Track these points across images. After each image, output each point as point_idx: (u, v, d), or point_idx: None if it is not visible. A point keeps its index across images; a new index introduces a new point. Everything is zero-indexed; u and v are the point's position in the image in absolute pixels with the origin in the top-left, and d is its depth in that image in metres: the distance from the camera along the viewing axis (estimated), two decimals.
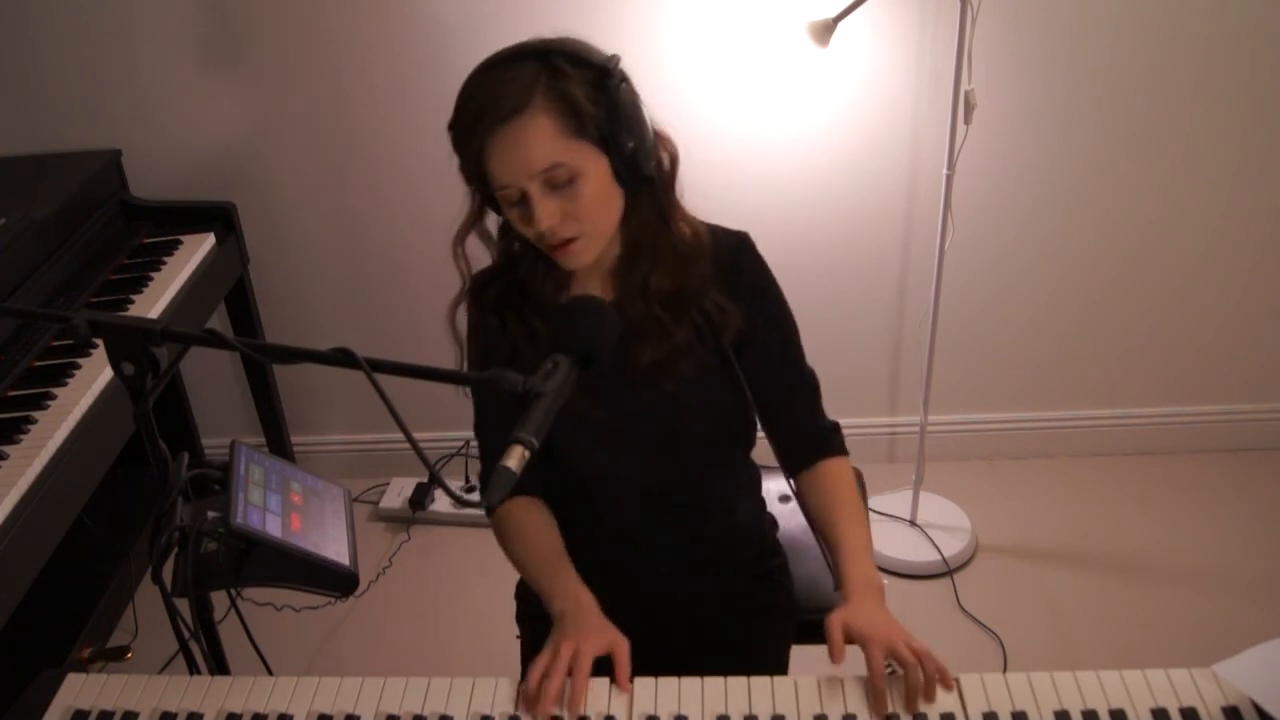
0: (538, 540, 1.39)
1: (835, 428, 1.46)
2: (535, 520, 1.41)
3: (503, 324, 1.37)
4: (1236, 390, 2.79)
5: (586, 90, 1.20)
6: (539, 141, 1.19)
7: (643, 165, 1.24)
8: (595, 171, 1.22)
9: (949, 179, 2.25)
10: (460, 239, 1.33)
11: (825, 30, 2.17)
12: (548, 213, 1.21)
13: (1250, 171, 2.50)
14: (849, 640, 1.20)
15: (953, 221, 2.30)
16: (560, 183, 1.20)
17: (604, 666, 1.21)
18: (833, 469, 1.42)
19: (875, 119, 2.44)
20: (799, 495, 1.44)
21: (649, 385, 1.33)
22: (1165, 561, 2.50)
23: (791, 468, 1.45)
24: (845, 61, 2.36)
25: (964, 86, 2.16)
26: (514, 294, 1.36)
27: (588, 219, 1.24)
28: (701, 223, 1.36)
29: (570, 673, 1.18)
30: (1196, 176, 2.51)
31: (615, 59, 1.23)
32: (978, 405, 2.83)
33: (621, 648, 1.21)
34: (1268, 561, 2.46)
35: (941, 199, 2.28)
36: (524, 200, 1.22)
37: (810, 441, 1.44)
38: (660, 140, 1.28)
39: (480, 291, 1.38)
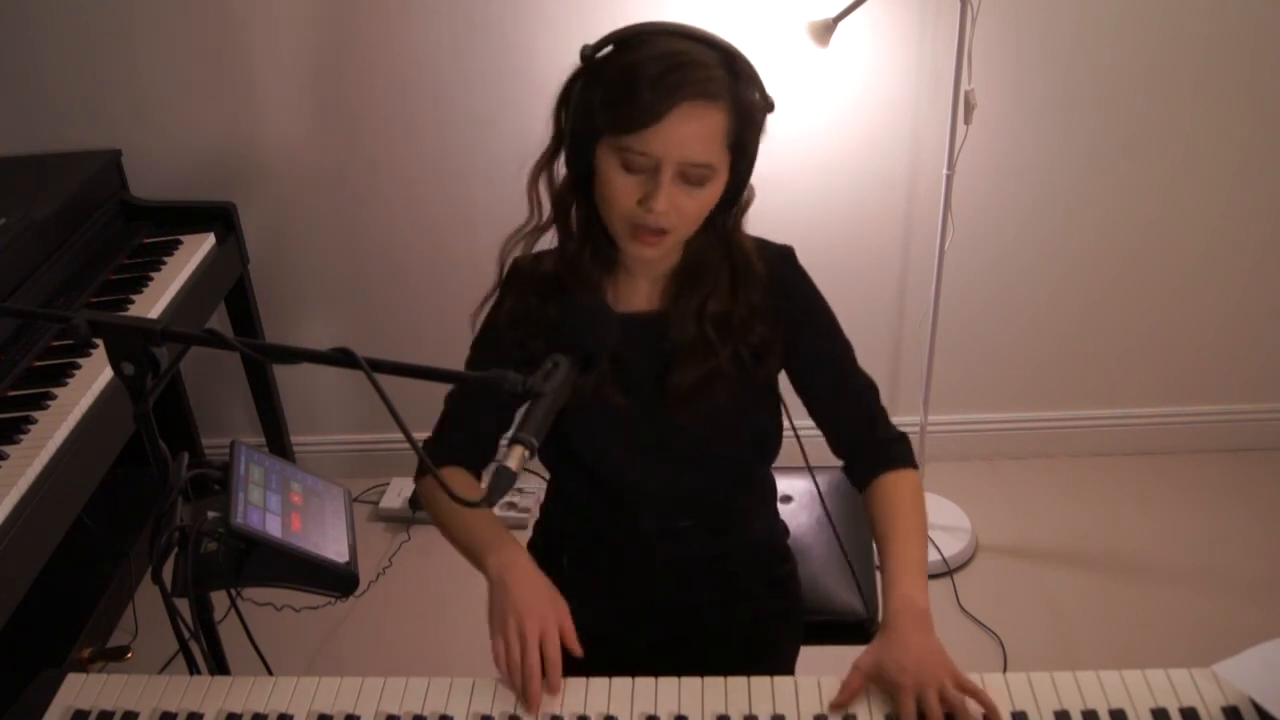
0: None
1: (899, 438, 1.42)
2: (468, 483, 1.41)
3: (538, 306, 1.34)
4: (1236, 390, 2.79)
5: (759, 110, 1.22)
6: (711, 135, 1.18)
7: (743, 193, 1.27)
8: (721, 181, 1.22)
9: (949, 179, 2.25)
10: (538, 173, 1.29)
11: (825, 30, 2.17)
12: (668, 198, 1.18)
13: (1250, 171, 2.50)
14: (877, 680, 1.16)
15: (953, 221, 2.30)
16: (693, 180, 1.19)
17: (598, 668, 1.21)
18: (889, 484, 1.38)
19: (875, 119, 2.44)
20: (866, 508, 1.41)
21: (685, 408, 1.32)
22: (1165, 561, 2.50)
23: (857, 484, 1.43)
24: (845, 61, 2.36)
25: (964, 86, 2.16)
26: (565, 271, 1.32)
27: (688, 219, 1.23)
28: (751, 240, 1.34)
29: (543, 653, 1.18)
30: (1196, 176, 2.51)
31: (771, 96, 1.24)
32: (978, 405, 2.83)
33: (565, 622, 1.22)
34: (1268, 561, 2.46)
35: (941, 199, 2.28)
36: (651, 174, 1.18)
37: (871, 456, 1.41)
38: None
39: (534, 265, 1.35)
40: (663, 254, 1.27)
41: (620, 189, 1.20)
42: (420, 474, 1.46)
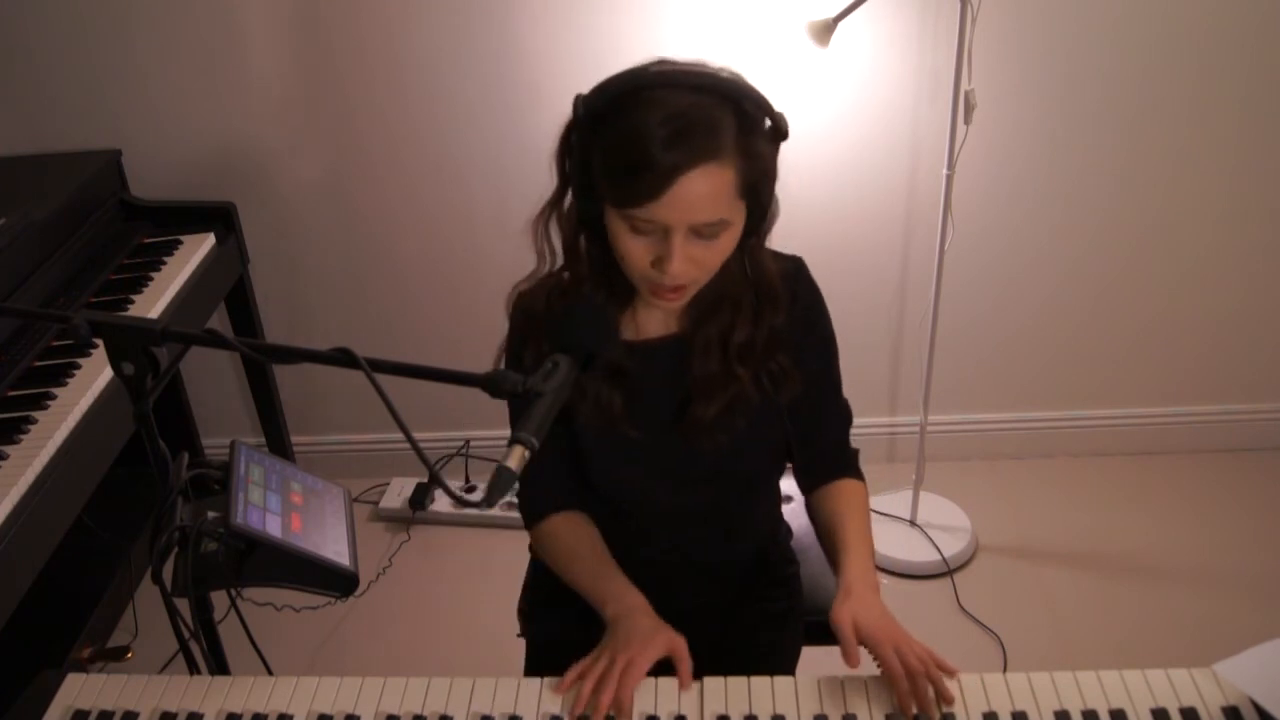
0: (583, 550, 1.38)
1: (855, 454, 1.47)
2: (578, 531, 1.40)
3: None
4: (1236, 390, 2.79)
5: (768, 150, 1.16)
6: (719, 193, 1.12)
7: (763, 225, 1.21)
8: (738, 228, 1.18)
9: (949, 179, 2.25)
10: (544, 218, 1.25)
11: (825, 30, 2.17)
12: (683, 259, 1.14)
13: (1250, 171, 2.50)
14: (858, 639, 1.19)
15: (953, 221, 2.30)
16: (707, 235, 1.15)
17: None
18: (847, 486, 1.44)
19: (875, 119, 2.44)
20: (810, 509, 1.46)
21: (705, 439, 1.31)
22: (1165, 561, 2.50)
23: (808, 484, 1.46)
24: (845, 61, 2.36)
25: (964, 86, 2.16)
26: None
27: (707, 269, 1.19)
28: (770, 258, 1.30)
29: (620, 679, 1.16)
30: (1196, 176, 2.51)
31: (783, 117, 1.18)
32: (978, 405, 2.83)
33: (679, 647, 1.20)
34: (1267, 561, 2.46)
35: (941, 199, 2.28)
36: (661, 236, 1.14)
37: (832, 463, 1.45)
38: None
39: (545, 306, 1.31)
40: (684, 302, 1.25)
41: (632, 252, 1.17)
42: (531, 524, 1.44)
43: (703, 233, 1.15)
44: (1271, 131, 2.45)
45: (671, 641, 1.21)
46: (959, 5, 2.07)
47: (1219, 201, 2.54)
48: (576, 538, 1.40)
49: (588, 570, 1.36)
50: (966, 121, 2.19)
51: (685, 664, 1.20)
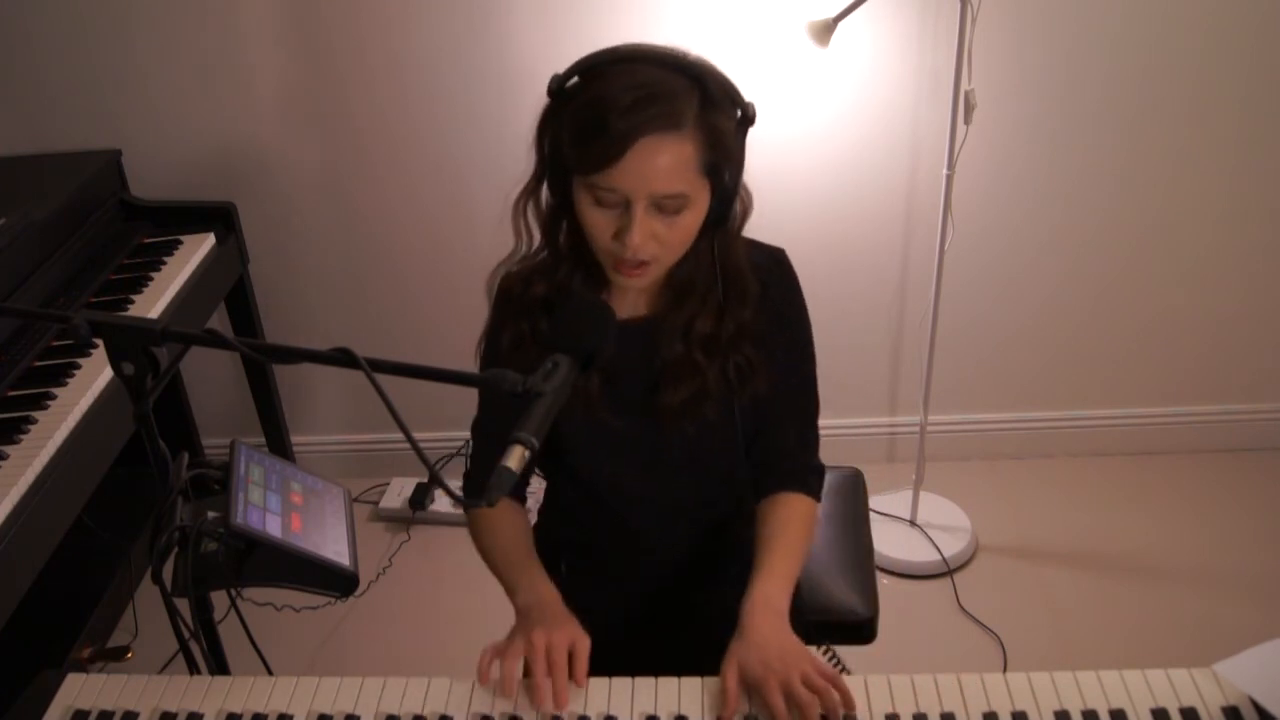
0: (508, 535, 1.39)
1: (819, 471, 1.42)
2: (508, 517, 1.41)
3: (533, 330, 1.32)
4: (1236, 390, 2.79)
5: (733, 133, 1.18)
6: (678, 165, 1.14)
7: (729, 213, 1.23)
8: (700, 207, 1.20)
9: (949, 179, 2.25)
10: (524, 200, 1.27)
11: (825, 30, 2.17)
12: (643, 232, 1.16)
13: (1250, 171, 2.50)
14: (744, 681, 1.16)
15: (953, 221, 2.30)
16: (669, 209, 1.17)
17: (599, 669, 1.21)
18: (793, 501, 1.38)
19: (875, 119, 2.44)
20: (757, 518, 1.39)
21: (676, 424, 1.32)
22: (1165, 561, 2.50)
23: (761, 490, 1.41)
24: (845, 61, 2.36)
25: (964, 86, 2.16)
26: (555, 296, 1.31)
27: (671, 247, 1.21)
28: (745, 249, 1.31)
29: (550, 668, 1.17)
30: (1196, 176, 2.51)
31: (753, 106, 1.20)
32: (978, 405, 2.83)
33: (583, 644, 1.20)
34: (1267, 561, 2.46)
35: (941, 199, 2.28)
36: (623, 208, 1.17)
37: (790, 473, 1.40)
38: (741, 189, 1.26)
39: (524, 288, 1.33)
40: (650, 281, 1.26)
41: (596, 224, 1.20)
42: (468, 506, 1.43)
43: (664, 206, 1.17)
44: (1271, 131, 2.45)
45: (577, 636, 1.20)
46: (959, 5, 2.07)
47: (1219, 201, 2.54)
48: (506, 521, 1.40)
49: (507, 556, 1.37)
50: (966, 121, 2.19)
51: (582, 662, 1.18)
